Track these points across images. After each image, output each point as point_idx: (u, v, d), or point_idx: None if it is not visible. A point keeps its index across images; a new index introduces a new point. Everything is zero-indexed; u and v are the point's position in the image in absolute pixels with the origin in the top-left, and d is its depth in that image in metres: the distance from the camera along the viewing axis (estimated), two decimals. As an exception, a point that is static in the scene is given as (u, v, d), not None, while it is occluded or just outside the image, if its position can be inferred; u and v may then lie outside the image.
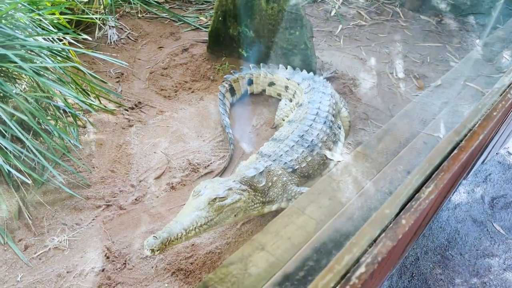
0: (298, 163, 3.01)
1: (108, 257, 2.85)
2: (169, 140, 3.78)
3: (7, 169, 2.84)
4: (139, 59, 4.72)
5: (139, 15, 5.42)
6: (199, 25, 5.41)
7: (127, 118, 3.92)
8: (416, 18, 6.11)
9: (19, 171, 2.96)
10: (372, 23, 5.92)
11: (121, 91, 4.23)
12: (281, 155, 3.02)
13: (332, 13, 6.08)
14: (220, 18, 4.55)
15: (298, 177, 3.01)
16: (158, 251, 2.27)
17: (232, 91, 4.22)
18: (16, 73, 3.39)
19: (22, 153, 3.02)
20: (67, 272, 2.74)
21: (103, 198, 3.23)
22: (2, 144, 2.85)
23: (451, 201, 3.88)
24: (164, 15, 5.50)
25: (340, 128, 3.55)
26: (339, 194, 1.17)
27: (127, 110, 4.01)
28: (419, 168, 1.26)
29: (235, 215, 2.68)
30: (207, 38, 4.81)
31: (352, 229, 1.08)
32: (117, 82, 4.36)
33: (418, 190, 1.20)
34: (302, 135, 3.17)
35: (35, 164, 3.20)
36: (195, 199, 2.63)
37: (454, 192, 3.91)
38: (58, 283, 2.68)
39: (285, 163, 2.98)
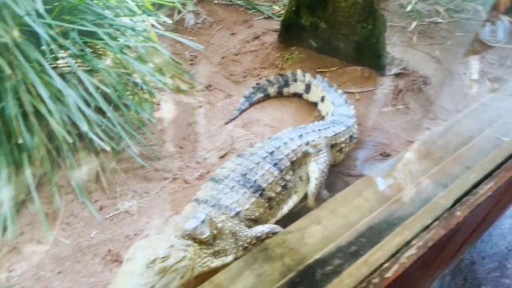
0: (240, 205, 2.62)
1: (171, 225, 3.08)
2: (235, 123, 3.95)
3: (90, 136, 3.14)
4: (212, 43, 4.93)
5: (215, 1, 5.63)
6: (272, 14, 5.52)
7: (197, 99, 4.14)
8: (499, 19, 5.78)
9: (100, 139, 3.26)
10: (450, 21, 5.69)
11: (194, 73, 4.46)
12: (220, 199, 2.63)
13: (408, 9, 5.91)
14: (294, 8, 4.62)
15: (245, 220, 2.62)
16: None
17: (286, 84, 4.21)
18: (102, 49, 3.71)
19: (103, 123, 3.33)
20: (134, 235, 3.00)
21: (171, 171, 3.47)
22: (87, 113, 3.16)
23: (518, 212, 3.72)
24: (239, 2, 5.66)
25: (301, 181, 3.06)
26: (395, 182, 1.22)
27: (198, 92, 4.23)
28: (480, 165, 1.28)
29: (181, 277, 2.21)
30: (279, 27, 4.90)
31: (405, 214, 1.14)
32: (191, 64, 4.60)
33: (476, 185, 1.22)
34: (245, 174, 2.78)
35: (113, 134, 3.50)
36: (129, 264, 2.16)
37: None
38: (126, 243, 2.94)
39: (226, 206, 2.59)
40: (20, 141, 2.84)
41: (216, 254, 2.45)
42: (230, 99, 4.20)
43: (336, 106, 3.72)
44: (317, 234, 1.09)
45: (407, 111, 4.13)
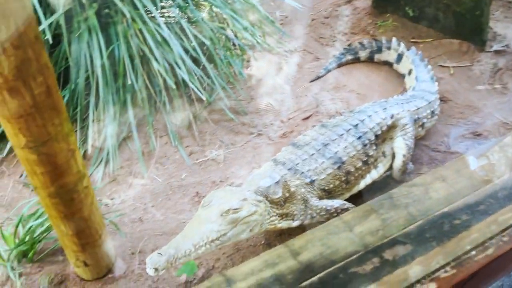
0: (316, 174, 2.65)
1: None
2: (321, 86, 3.96)
3: (187, 85, 3.32)
4: (303, 5, 4.89)
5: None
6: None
7: (285, 60, 4.18)
8: None
9: (196, 89, 3.42)
10: None
11: (284, 33, 4.48)
12: (298, 163, 2.67)
13: (517, -19, 5.44)
14: (393, -27, 4.43)
15: (318, 189, 2.65)
16: (163, 270, 2.03)
17: (379, 50, 4.09)
18: (202, 3, 3.83)
19: (198, 73, 3.48)
20: (220, 181, 3.18)
21: (256, 127, 3.59)
22: (185, 61, 3.32)
23: None
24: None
25: (384, 156, 3.00)
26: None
27: (287, 52, 4.26)
28: None
29: (250, 230, 2.33)
30: (374, -7, 4.74)
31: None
32: (281, 24, 4.61)
33: None
34: (327, 144, 2.77)
35: (205, 85, 3.66)
36: (205, 210, 2.34)
37: None
38: (212, 188, 3.13)
39: (302, 172, 2.63)
40: (129, 82, 3.06)
41: (284, 216, 2.52)
42: (318, 62, 4.19)
43: (420, 82, 3.57)
44: (441, 190, 1.12)
45: (505, 92, 3.90)
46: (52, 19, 2.87)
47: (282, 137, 3.53)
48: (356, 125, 2.88)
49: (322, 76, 4.01)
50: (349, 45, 4.13)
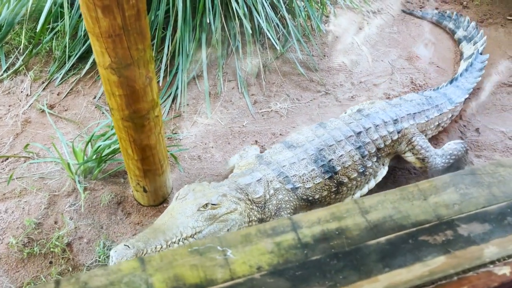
0: (302, 182, 2.39)
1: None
2: (399, 53, 3.76)
3: (264, 31, 3.26)
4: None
5: None
6: None
7: (366, 20, 3.98)
8: None
9: (267, 38, 3.37)
10: None
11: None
12: (284, 166, 2.42)
13: None
14: None
15: (299, 199, 2.40)
16: None
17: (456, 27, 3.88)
18: None
19: (274, 21, 3.41)
20: (280, 134, 3.18)
21: (324, 85, 3.50)
22: (265, 7, 3.25)
23: None
24: None
25: (383, 165, 2.71)
26: None
27: (369, 13, 4.05)
28: None
29: (227, 230, 2.16)
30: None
31: None
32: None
33: None
34: (321, 149, 2.48)
35: (280, 35, 3.58)
36: (180, 203, 2.16)
37: None
38: (271, 139, 3.14)
39: (286, 176, 2.38)
40: (207, 20, 3.06)
41: (263, 221, 2.33)
42: (398, 27, 3.97)
43: (463, 76, 3.28)
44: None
45: None
46: None
47: (350, 100, 3.43)
48: (359, 133, 2.58)
49: (415, 15, 4.08)
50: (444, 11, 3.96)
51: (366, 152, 2.56)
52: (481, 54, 3.48)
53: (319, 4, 3.81)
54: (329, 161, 2.46)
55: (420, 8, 4.17)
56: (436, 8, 4.15)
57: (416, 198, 1.03)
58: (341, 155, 2.49)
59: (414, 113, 2.83)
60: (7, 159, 2.86)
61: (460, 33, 3.81)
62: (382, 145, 2.63)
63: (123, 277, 0.92)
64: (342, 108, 3.34)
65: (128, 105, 1.92)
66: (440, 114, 2.99)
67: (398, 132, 2.69)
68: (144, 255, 1.88)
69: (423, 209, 1.00)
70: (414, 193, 1.03)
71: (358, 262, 0.90)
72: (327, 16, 3.92)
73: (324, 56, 3.68)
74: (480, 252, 0.92)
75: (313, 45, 3.66)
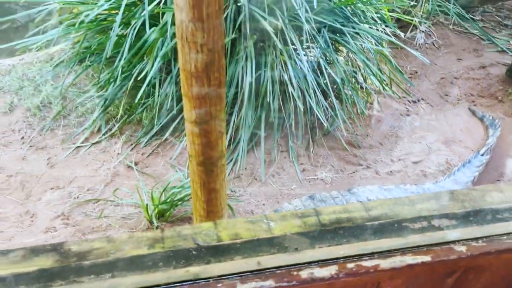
0: None
1: (355, 202, 3.58)
2: (436, 138, 4.19)
3: (314, 112, 3.88)
4: (435, 64, 5.19)
5: (450, 26, 5.81)
6: (507, 48, 5.41)
7: (407, 108, 4.52)
8: None
9: (320, 117, 3.98)
10: None
11: (410, 83, 4.83)
12: None
13: None
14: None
15: None
16: None
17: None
18: (341, 47, 4.42)
19: (323, 104, 4.03)
20: (324, 199, 3.61)
21: (366, 160, 3.97)
22: (316, 92, 3.90)
23: None
24: (474, 32, 5.71)
25: None
26: None
27: (410, 102, 4.59)
28: None
29: None
30: (511, 62, 4.84)
31: None
32: (409, 77, 4.97)
33: None
34: None
35: (328, 116, 4.18)
36: None
37: None
38: (316, 203, 3.58)
39: None
40: (267, 100, 3.75)
41: None
42: (437, 115, 4.44)
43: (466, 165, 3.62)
44: None
45: None
46: (227, 39, 3.72)
47: (389, 174, 3.84)
48: None
49: (476, 115, 4.44)
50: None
51: None
52: (482, 155, 3.82)
53: (365, 93, 4.42)
54: None
55: (458, 100, 4.65)
56: (473, 101, 4.62)
57: (407, 204, 1.48)
58: None
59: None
60: (98, 201, 3.52)
61: (491, 131, 4.19)
62: None
63: (202, 231, 1.43)
64: (382, 181, 3.76)
65: (203, 152, 2.52)
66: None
67: None
68: None
69: (410, 210, 1.44)
70: (405, 202, 1.49)
71: (357, 233, 1.36)
72: (371, 103, 4.51)
73: (367, 136, 4.19)
74: (445, 235, 1.34)
75: (357, 126, 4.21)
